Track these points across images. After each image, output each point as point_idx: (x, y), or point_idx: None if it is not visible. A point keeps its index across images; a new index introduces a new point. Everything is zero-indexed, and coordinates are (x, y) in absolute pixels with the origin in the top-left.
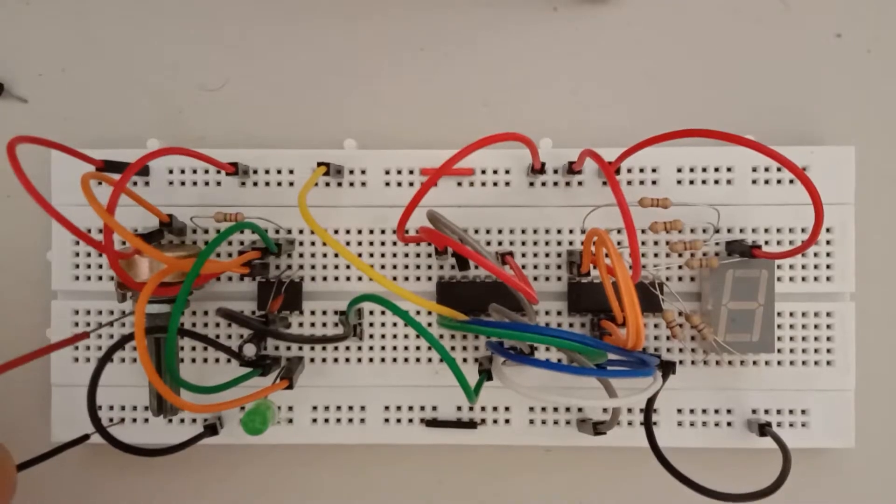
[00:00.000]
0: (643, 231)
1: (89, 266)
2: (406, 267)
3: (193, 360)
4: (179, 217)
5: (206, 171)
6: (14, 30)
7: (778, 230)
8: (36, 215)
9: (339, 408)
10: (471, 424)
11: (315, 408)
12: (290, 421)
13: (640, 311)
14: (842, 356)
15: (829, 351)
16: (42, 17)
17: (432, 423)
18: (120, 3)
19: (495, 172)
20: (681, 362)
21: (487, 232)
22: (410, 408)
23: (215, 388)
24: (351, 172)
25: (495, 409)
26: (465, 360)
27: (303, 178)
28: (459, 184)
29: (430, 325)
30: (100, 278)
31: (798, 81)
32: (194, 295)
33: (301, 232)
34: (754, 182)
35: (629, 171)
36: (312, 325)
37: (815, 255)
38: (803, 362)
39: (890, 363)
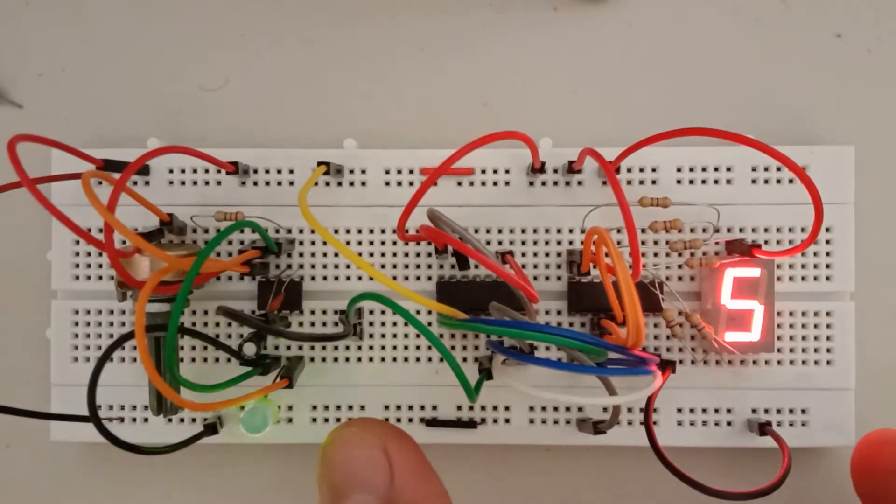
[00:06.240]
0: (643, 230)
1: (89, 266)
2: (406, 266)
3: (193, 360)
4: (180, 216)
5: (207, 171)
6: (14, 30)
7: (778, 230)
8: (36, 215)
9: (338, 407)
10: (471, 424)
11: (315, 407)
12: (290, 420)
13: (641, 310)
14: (841, 356)
15: (828, 350)
16: (42, 17)
17: (432, 422)
18: (120, 3)
19: (495, 172)
20: (681, 361)
21: (487, 231)
22: (410, 407)
23: (215, 387)
24: (351, 172)
25: (495, 408)
26: (465, 359)
27: (303, 178)
28: (459, 183)
29: (430, 324)
30: (100, 278)
31: (798, 81)
32: (194, 294)
33: (301, 231)
34: (754, 182)
35: (629, 170)
36: (312, 324)
37: (815, 254)
38: (803, 362)
39: (890, 363)
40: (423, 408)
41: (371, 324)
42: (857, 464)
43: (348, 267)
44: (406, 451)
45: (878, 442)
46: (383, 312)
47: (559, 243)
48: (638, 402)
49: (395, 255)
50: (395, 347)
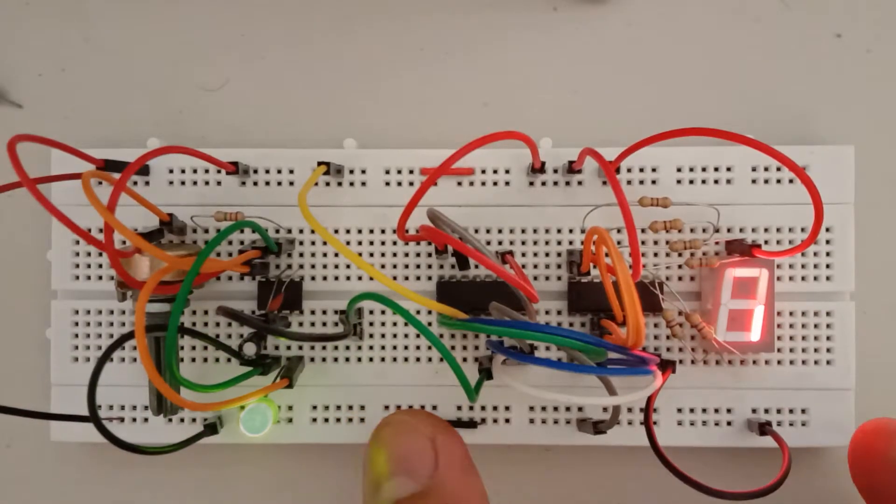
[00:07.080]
0: (643, 230)
1: (89, 266)
2: (406, 266)
3: (193, 360)
4: (180, 216)
5: (207, 171)
6: (14, 30)
7: (777, 230)
8: (36, 215)
9: (338, 407)
10: (471, 424)
11: (315, 407)
12: (290, 420)
13: (641, 310)
14: (841, 355)
15: (828, 350)
16: (42, 17)
17: None
18: (120, 3)
19: (495, 172)
20: (681, 361)
21: (487, 231)
22: (410, 407)
23: (215, 387)
24: (351, 172)
25: (495, 408)
26: (465, 359)
27: (303, 178)
28: (459, 183)
29: (430, 324)
30: (100, 278)
31: (798, 81)
32: (194, 294)
33: (301, 231)
34: (754, 182)
35: (629, 170)
36: (312, 324)
37: (815, 254)
38: (803, 361)
39: (890, 363)
40: (423, 408)
41: (371, 324)
42: (854, 453)
43: (348, 267)
44: (453, 446)
45: (874, 431)
46: (383, 312)
47: (559, 243)
48: (638, 402)
49: (395, 255)
50: (395, 347)
